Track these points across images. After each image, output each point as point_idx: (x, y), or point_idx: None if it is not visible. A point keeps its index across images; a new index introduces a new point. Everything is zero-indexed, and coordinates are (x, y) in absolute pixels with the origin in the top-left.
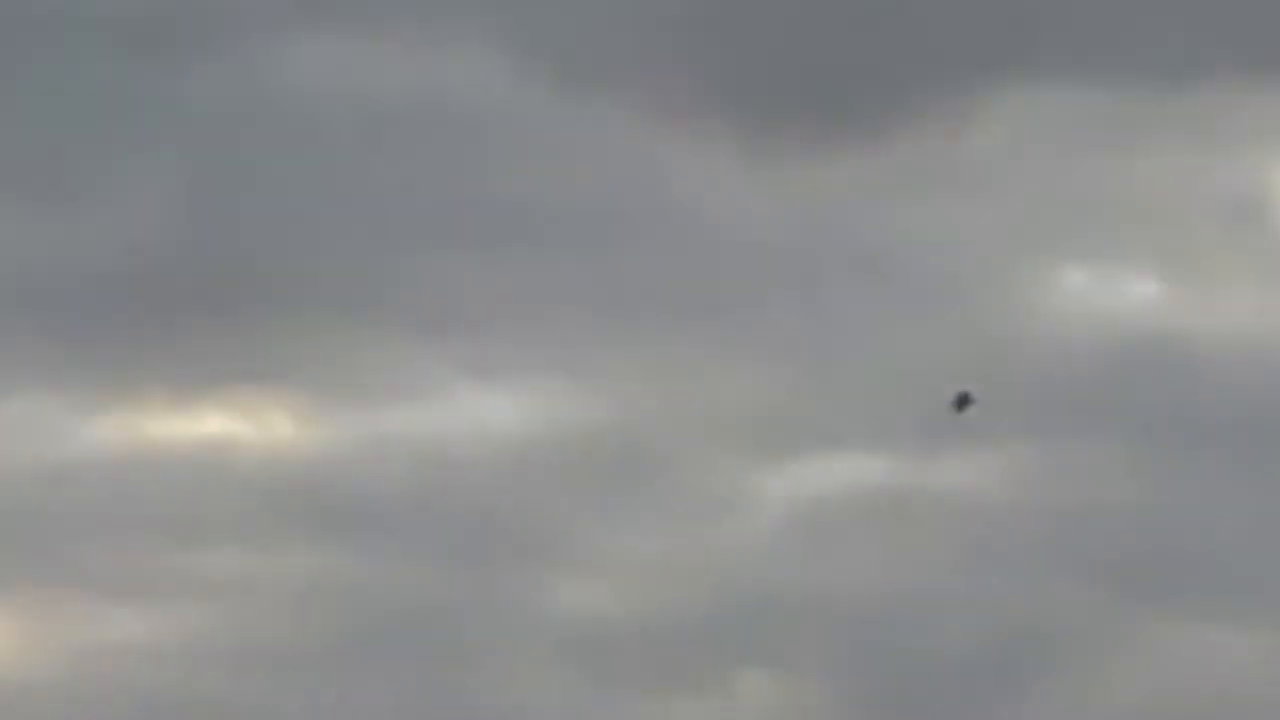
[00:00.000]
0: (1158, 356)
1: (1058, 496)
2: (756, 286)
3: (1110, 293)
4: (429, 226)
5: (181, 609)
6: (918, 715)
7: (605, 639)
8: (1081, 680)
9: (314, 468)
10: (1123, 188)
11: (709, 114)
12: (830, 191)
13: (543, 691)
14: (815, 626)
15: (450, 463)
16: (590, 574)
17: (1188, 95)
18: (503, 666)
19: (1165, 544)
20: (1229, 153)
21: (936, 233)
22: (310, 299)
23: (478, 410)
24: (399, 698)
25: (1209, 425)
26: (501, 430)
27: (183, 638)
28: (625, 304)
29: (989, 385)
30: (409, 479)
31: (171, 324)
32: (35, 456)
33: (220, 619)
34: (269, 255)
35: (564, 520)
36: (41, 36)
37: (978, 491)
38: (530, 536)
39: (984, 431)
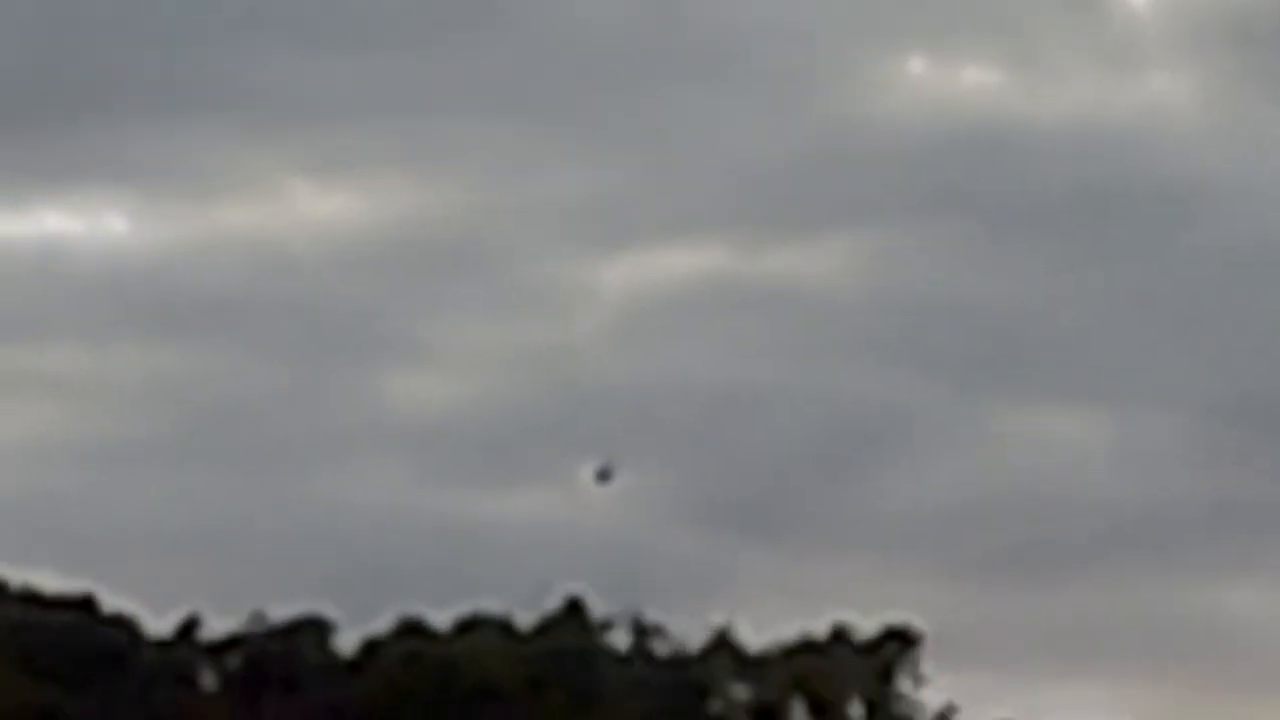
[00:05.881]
0: (996, 143)
1: (894, 285)
2: (594, 78)
3: (950, 79)
4: (266, 24)
5: (18, 405)
6: (755, 504)
7: (442, 432)
8: (916, 469)
9: (149, 265)
10: None
11: None
12: None
13: (378, 485)
14: (652, 418)
15: (285, 259)
16: (427, 367)
17: None
18: (338, 460)
19: (1002, 330)
20: None
21: (775, 22)
22: (145, 98)
23: (312, 206)
24: (234, 490)
25: (1047, 211)
26: (336, 226)
27: (19, 433)
28: (460, 99)
29: (826, 173)
30: (244, 275)
31: (5, 125)
32: None
33: (56, 414)
34: (103, 55)
35: (399, 314)
36: None
37: (814, 281)
38: (365, 331)
39: (821, 220)
